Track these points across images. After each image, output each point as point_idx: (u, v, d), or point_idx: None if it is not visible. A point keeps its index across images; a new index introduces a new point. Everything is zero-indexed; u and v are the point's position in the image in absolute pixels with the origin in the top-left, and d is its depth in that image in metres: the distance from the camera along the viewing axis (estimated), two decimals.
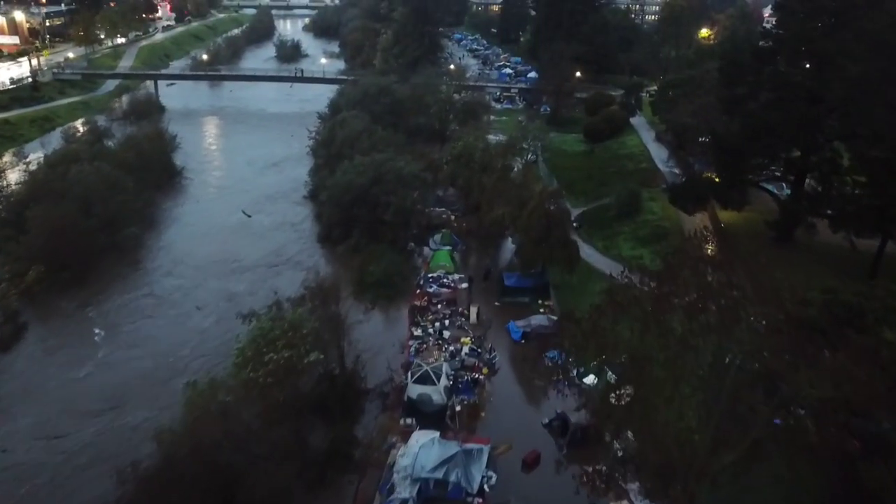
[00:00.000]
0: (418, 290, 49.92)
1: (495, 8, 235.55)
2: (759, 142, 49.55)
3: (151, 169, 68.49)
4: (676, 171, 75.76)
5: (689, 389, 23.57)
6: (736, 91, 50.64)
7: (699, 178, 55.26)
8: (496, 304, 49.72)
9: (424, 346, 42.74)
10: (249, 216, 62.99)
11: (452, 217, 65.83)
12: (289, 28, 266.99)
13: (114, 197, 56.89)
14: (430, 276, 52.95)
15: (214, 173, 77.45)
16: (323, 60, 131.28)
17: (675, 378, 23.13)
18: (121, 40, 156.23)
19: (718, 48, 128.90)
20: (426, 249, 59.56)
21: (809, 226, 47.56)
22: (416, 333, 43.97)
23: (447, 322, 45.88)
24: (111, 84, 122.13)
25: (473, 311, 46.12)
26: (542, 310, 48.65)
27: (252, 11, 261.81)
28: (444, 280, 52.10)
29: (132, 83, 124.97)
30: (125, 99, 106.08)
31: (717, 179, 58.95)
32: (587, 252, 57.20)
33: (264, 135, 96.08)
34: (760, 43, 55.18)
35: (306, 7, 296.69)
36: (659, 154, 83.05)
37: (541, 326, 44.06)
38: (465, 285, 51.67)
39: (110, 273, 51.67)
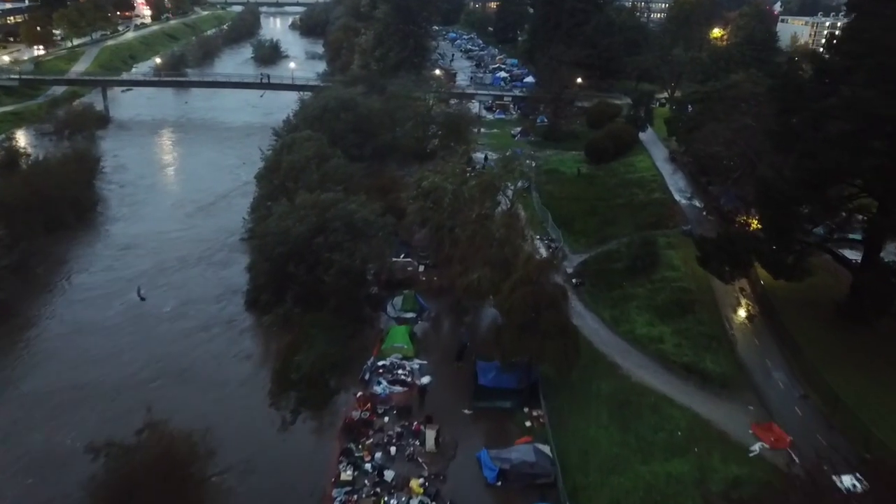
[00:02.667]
0: (358, 395, 36.73)
1: (493, 5, 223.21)
2: (823, 189, 36.53)
3: (50, 205, 55.26)
4: (697, 204, 62.69)
5: None
6: (792, 120, 37.37)
7: (737, 230, 42.20)
8: (466, 411, 36.53)
9: (355, 498, 29.59)
10: (143, 298, 46.60)
11: (420, 268, 52.75)
12: (278, 26, 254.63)
13: None
14: (380, 363, 39.90)
15: (128, 221, 61.26)
16: (292, 65, 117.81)
17: None
18: (81, 40, 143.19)
19: (736, 50, 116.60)
20: (384, 317, 46.58)
21: None
22: (344, 475, 30.70)
23: (393, 449, 32.75)
24: (58, 91, 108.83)
25: (431, 434, 32.96)
26: (528, 422, 35.59)
27: (240, 9, 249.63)
28: (399, 371, 39.05)
29: (83, 90, 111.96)
30: (62, 110, 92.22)
31: (758, 228, 45.96)
32: (591, 325, 44.15)
33: (214, 156, 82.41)
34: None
35: (298, 4, 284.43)
36: (674, 180, 69.90)
37: (524, 464, 30.94)
38: (427, 380, 38.64)
39: None
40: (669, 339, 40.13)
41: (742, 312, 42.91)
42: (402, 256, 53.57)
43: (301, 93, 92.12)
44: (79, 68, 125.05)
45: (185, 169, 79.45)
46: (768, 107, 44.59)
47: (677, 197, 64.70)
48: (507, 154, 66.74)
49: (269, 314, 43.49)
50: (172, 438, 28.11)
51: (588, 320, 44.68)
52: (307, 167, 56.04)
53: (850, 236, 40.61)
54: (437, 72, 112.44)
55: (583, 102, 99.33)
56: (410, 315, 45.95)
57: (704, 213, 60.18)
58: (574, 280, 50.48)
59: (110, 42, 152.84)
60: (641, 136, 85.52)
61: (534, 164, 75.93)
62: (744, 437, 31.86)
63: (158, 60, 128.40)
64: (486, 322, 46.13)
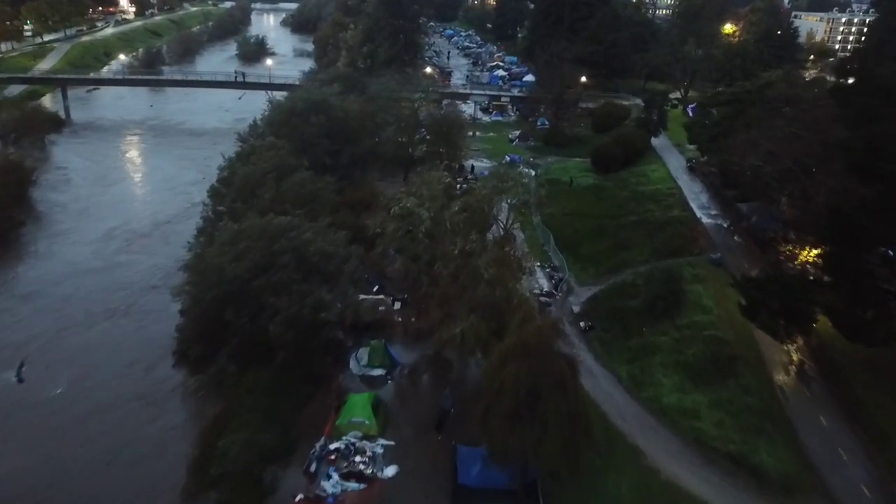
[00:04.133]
0: (299, 498, 27.68)
1: (492, 1, 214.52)
2: None
3: None
4: (725, 224, 53.56)
5: None
6: (872, 134, 28.26)
7: (789, 269, 33.15)
8: None
9: None
10: (21, 380, 35.85)
11: (396, 306, 43.61)
12: (271, 22, 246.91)
13: None
14: (332, 447, 30.86)
15: (41, 257, 50.66)
16: (269, 62, 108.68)
17: None
18: (53, 36, 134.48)
19: (752, 47, 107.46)
20: (347, 372, 37.55)
21: None
22: None
23: None
24: (17, 90, 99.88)
25: None
26: None
27: (231, 5, 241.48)
28: (357, 459, 30.03)
29: (45, 89, 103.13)
30: (8, 111, 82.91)
31: (810, 261, 36.92)
32: (604, 387, 35.14)
33: (173, 168, 72.70)
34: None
35: (293, 0, 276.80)
36: (695, 194, 60.59)
37: None
38: (392, 472, 29.66)
39: None
40: (707, 415, 31.10)
41: (794, 371, 33.86)
42: (374, 290, 44.55)
43: (269, 93, 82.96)
44: (44, 66, 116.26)
45: (134, 186, 69.90)
46: (826, 112, 35.44)
47: (699, 214, 55.66)
48: (503, 164, 57.66)
49: (197, 376, 34.43)
50: None
51: (600, 380, 35.71)
52: (264, 182, 47.02)
53: None
54: (429, 70, 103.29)
55: (587, 103, 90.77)
56: (378, 372, 37.02)
57: (734, 235, 51.09)
58: (581, 323, 41.47)
59: (85, 38, 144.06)
60: (654, 141, 76.51)
61: (534, 174, 67.02)
62: None
63: (123, 57, 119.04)
64: (474, 379, 37.07)
